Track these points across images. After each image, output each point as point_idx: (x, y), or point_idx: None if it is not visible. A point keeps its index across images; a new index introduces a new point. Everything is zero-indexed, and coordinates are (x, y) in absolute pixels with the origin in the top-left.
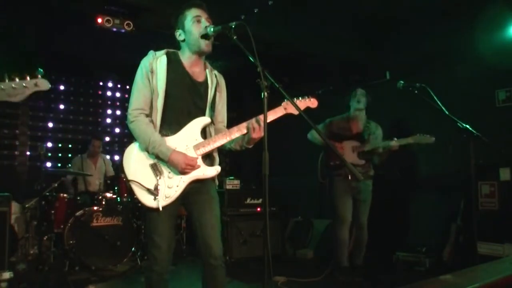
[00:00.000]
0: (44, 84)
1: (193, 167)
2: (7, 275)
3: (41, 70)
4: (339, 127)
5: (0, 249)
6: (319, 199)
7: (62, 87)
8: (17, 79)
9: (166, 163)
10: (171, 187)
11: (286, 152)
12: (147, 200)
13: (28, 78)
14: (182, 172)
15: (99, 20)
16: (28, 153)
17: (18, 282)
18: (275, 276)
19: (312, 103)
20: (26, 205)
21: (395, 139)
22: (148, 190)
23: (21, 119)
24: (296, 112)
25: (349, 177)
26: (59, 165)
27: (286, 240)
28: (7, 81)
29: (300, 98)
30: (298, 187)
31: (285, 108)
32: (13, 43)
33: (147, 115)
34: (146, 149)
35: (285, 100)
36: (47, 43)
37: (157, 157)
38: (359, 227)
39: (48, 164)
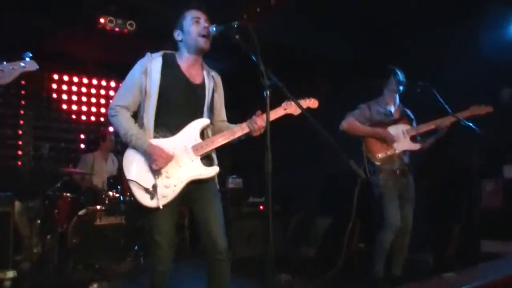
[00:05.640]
0: (31, 65)
1: (166, 160)
2: (10, 274)
3: (29, 54)
4: (379, 112)
5: (3, 248)
6: (321, 196)
7: (64, 87)
8: (4, 62)
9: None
10: (169, 186)
11: (287, 149)
12: (144, 199)
13: (16, 61)
14: (155, 165)
15: (102, 20)
16: (31, 153)
17: (22, 281)
18: (279, 274)
19: (313, 103)
20: (29, 205)
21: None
22: (146, 190)
23: (24, 119)
24: (296, 113)
25: (397, 172)
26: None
27: (289, 238)
28: None
29: (300, 99)
30: (300, 185)
31: (285, 109)
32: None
33: (129, 112)
34: (126, 143)
35: (286, 101)
36: (49, 43)
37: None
38: (407, 230)
39: (51, 164)
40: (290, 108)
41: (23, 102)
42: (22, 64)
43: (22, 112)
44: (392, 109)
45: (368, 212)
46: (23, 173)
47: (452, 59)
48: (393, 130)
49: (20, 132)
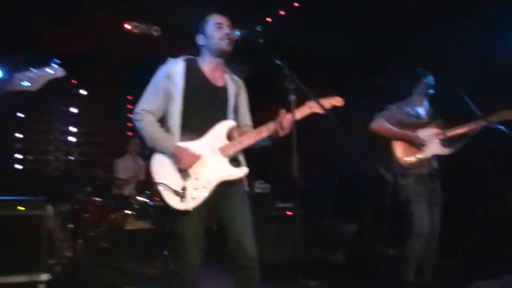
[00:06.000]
0: (59, 71)
1: (192, 159)
2: (45, 277)
3: (56, 60)
4: (409, 115)
5: (37, 251)
6: (350, 201)
7: (92, 92)
8: (33, 69)
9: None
10: (198, 188)
11: (312, 152)
12: (174, 202)
13: (43, 67)
14: (182, 165)
15: (127, 26)
16: (62, 158)
17: (55, 284)
18: (306, 280)
19: (337, 101)
20: (61, 209)
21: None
22: (175, 192)
23: (54, 125)
24: (321, 111)
25: (426, 177)
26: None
27: (316, 244)
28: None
29: (325, 98)
30: (328, 189)
31: (310, 107)
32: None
33: (154, 116)
34: (152, 147)
35: (310, 99)
36: (76, 49)
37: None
38: (434, 236)
39: (81, 168)
40: (315, 106)
41: (53, 108)
42: (50, 71)
43: (52, 117)
44: (422, 111)
45: (396, 217)
46: (54, 177)
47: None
48: (423, 133)
49: (51, 137)
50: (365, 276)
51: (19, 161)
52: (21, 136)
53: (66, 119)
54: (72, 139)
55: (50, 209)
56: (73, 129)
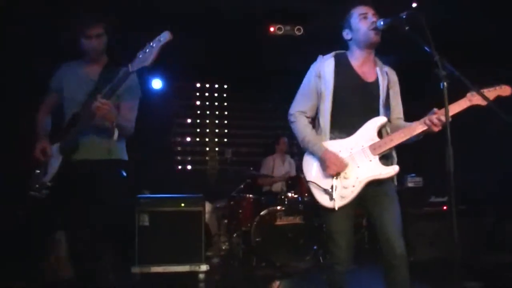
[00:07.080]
0: (165, 36)
1: (339, 167)
2: (204, 267)
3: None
4: None
5: (197, 244)
6: None
7: (241, 95)
8: (147, 45)
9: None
10: (347, 187)
11: (472, 143)
12: (324, 200)
13: (155, 39)
14: (328, 172)
15: (271, 29)
16: (217, 158)
17: (213, 274)
18: (468, 281)
19: (504, 90)
20: (217, 205)
21: None
22: (325, 191)
23: (209, 128)
24: (484, 103)
25: None
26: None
27: (479, 242)
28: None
29: (489, 87)
30: (489, 183)
31: (470, 100)
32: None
33: (307, 117)
34: (303, 148)
35: (471, 91)
36: (221, 55)
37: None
38: None
39: (235, 167)
40: (476, 98)
41: (208, 112)
42: (159, 39)
43: (207, 121)
44: None
45: None
46: (211, 176)
47: None
48: None
49: (207, 139)
50: None
51: (180, 163)
52: (180, 139)
53: (218, 121)
54: (225, 140)
55: (207, 205)
56: (225, 130)
